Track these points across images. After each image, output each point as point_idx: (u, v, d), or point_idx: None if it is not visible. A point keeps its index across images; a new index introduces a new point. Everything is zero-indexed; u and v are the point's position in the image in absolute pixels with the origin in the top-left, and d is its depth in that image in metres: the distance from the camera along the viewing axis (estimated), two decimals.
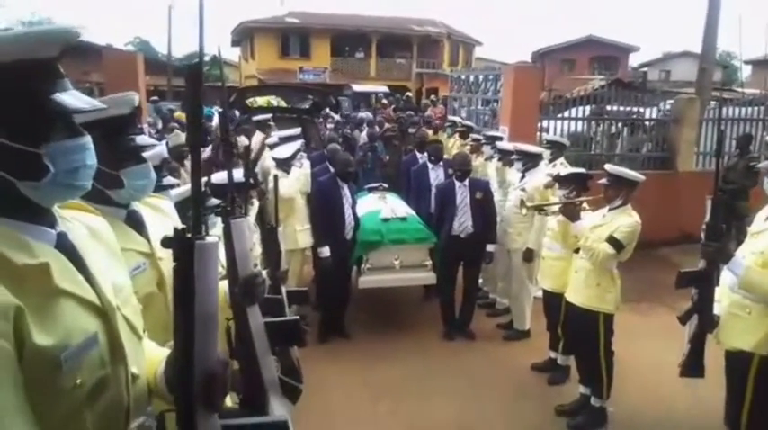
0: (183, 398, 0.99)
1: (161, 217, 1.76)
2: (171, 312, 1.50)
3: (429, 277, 5.44)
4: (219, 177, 3.60)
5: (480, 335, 5.38)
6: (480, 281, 5.90)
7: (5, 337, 0.89)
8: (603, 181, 3.83)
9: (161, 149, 3.26)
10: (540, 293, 5.06)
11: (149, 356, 1.23)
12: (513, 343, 5.28)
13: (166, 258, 1.63)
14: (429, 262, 5.39)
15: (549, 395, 4.30)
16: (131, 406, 1.13)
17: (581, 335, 3.96)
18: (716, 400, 2.98)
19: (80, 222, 1.17)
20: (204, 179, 3.28)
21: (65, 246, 1.07)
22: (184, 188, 2.93)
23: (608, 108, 8.76)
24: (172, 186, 2.98)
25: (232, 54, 34.69)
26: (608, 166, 3.98)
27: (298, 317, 1.91)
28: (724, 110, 8.93)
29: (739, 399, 2.74)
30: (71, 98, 1.00)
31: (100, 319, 1.07)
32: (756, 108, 9.16)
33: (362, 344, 5.14)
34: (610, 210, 3.81)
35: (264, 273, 1.87)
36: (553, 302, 4.43)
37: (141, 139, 1.59)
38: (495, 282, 6.04)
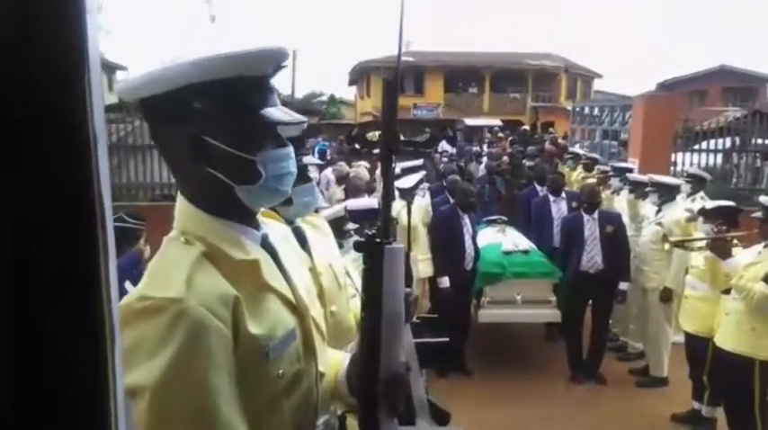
0: (366, 397, 1.00)
1: (318, 234, 1.80)
2: (330, 323, 1.52)
3: (553, 314, 5.19)
4: (357, 203, 3.69)
5: (611, 380, 5.01)
6: (609, 322, 5.53)
7: (225, 324, 0.96)
8: (758, 214, 3.53)
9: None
10: (677, 338, 4.66)
11: (330, 359, 1.26)
12: (649, 390, 4.85)
13: (325, 273, 1.67)
14: (553, 298, 5.15)
15: None
16: (319, 402, 1.17)
17: (732, 385, 3.58)
18: None
19: (274, 228, 1.24)
20: (343, 204, 3.38)
21: (267, 247, 1.14)
22: (335, 208, 3.02)
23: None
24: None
25: (349, 93, 36.11)
26: (763, 198, 3.65)
27: (448, 338, 1.87)
28: None
29: None
30: (278, 112, 1.08)
31: (296, 316, 1.13)
32: None
33: (483, 382, 4.95)
34: (766, 246, 3.46)
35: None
36: (698, 347, 4.05)
37: (308, 160, 1.65)
38: (627, 323, 5.63)
